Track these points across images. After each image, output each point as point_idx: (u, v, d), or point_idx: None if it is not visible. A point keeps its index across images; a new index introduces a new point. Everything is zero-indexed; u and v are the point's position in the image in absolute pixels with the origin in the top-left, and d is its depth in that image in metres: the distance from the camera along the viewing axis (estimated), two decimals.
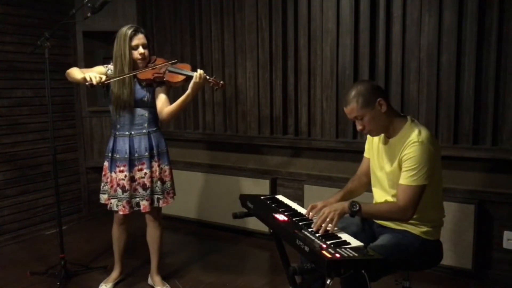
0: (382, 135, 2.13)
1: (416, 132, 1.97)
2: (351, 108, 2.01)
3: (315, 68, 3.43)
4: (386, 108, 2.01)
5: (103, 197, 2.86)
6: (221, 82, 2.76)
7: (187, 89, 2.67)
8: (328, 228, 1.89)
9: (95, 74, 2.58)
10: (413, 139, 1.95)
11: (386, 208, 1.98)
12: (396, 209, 1.94)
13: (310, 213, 2.10)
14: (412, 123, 2.04)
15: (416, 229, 2.04)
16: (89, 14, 2.89)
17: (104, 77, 2.60)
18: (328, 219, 1.89)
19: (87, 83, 2.56)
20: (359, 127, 2.05)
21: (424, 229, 2.04)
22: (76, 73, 2.70)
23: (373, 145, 2.22)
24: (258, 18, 3.61)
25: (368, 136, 2.26)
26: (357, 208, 1.91)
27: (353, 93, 2.01)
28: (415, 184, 1.92)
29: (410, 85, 3.07)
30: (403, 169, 1.96)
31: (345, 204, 1.93)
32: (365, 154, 2.31)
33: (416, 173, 1.92)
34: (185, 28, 4.03)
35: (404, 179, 1.95)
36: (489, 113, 2.86)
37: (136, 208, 2.79)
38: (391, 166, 2.06)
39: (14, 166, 3.89)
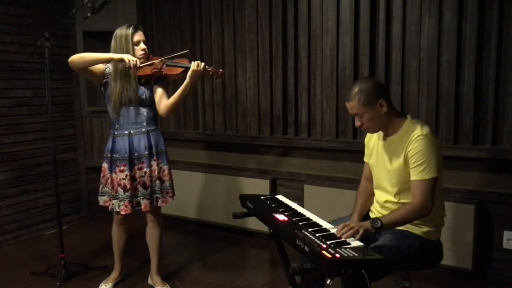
0: (381, 134, 2.14)
1: (419, 127, 1.99)
2: (352, 104, 2.02)
3: (315, 68, 3.43)
4: (387, 109, 2.02)
5: (102, 199, 2.85)
6: (220, 70, 2.77)
7: None
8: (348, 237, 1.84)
9: (132, 57, 2.62)
10: (417, 133, 1.97)
11: (404, 211, 1.96)
12: (415, 208, 1.94)
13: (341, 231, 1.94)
14: (413, 120, 2.06)
15: (417, 229, 2.04)
16: (89, 14, 2.89)
17: (138, 62, 2.64)
18: (353, 230, 1.85)
19: (126, 66, 2.59)
20: (357, 123, 2.07)
21: (426, 229, 2.04)
22: (96, 54, 2.66)
23: (371, 146, 2.22)
24: (258, 18, 3.61)
25: (366, 140, 2.27)
26: (379, 224, 1.88)
27: (356, 89, 2.01)
28: (427, 177, 1.93)
29: (410, 85, 3.07)
30: (411, 165, 1.97)
31: (367, 223, 1.90)
32: (365, 159, 2.31)
33: (426, 167, 1.93)
34: (185, 28, 4.03)
35: (415, 175, 1.95)
36: (489, 113, 2.86)
37: (137, 208, 2.79)
38: (392, 164, 2.06)
39: (14, 166, 3.89)
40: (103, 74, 2.76)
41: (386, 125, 2.07)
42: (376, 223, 1.89)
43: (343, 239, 1.81)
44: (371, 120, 2.02)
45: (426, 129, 1.99)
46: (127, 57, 2.60)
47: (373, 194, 2.28)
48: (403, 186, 2.04)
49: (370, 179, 2.28)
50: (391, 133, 2.08)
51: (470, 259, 2.92)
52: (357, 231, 1.85)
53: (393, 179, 2.08)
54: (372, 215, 2.22)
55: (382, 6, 3.10)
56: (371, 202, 2.28)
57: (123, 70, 2.68)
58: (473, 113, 2.89)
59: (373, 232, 1.90)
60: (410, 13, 3.02)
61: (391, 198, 2.10)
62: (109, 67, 2.76)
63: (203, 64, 2.66)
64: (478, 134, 2.92)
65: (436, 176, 1.94)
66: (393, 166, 2.06)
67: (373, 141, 2.21)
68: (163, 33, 4.17)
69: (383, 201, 2.14)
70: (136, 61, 2.62)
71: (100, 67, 2.74)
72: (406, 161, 2.00)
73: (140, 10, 4.26)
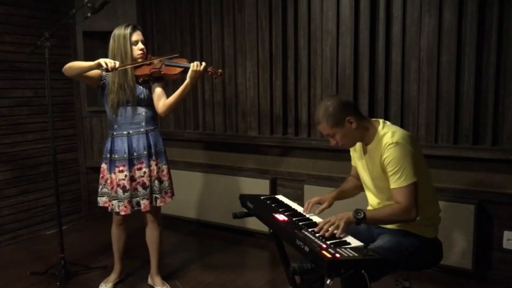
0: (361, 144, 2.15)
1: (389, 134, 2.00)
2: (322, 127, 2.05)
3: (315, 68, 3.43)
4: (356, 124, 2.02)
5: (102, 200, 2.84)
6: (220, 70, 2.76)
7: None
8: (334, 232, 1.88)
9: (110, 59, 2.59)
10: (387, 142, 1.97)
11: (389, 211, 1.97)
12: (400, 211, 1.94)
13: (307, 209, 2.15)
14: (384, 128, 2.05)
15: (414, 228, 2.04)
16: (89, 14, 2.89)
17: (118, 63, 2.61)
18: (334, 226, 1.88)
19: (101, 69, 2.57)
20: (332, 143, 2.08)
21: (423, 227, 2.04)
22: (80, 63, 2.72)
23: (355, 153, 2.25)
24: (258, 18, 3.61)
25: None
26: (362, 215, 1.90)
27: (321, 112, 2.03)
28: (405, 184, 1.93)
29: (410, 85, 3.07)
30: (388, 173, 1.98)
31: (350, 213, 1.92)
32: (352, 162, 2.33)
33: (402, 174, 1.93)
34: (185, 28, 4.03)
35: (393, 183, 1.96)
36: (489, 113, 2.86)
37: (136, 208, 2.79)
38: (374, 172, 2.09)
39: (14, 166, 3.89)
40: (100, 76, 2.76)
41: (361, 137, 2.08)
42: (359, 214, 1.90)
43: (343, 239, 1.81)
44: (344, 138, 2.04)
45: (396, 136, 1.97)
46: (103, 60, 2.57)
47: (359, 188, 2.32)
48: (389, 192, 2.04)
49: (357, 177, 2.31)
50: (369, 142, 2.09)
51: (470, 259, 2.91)
52: (338, 226, 1.87)
53: (377, 187, 2.11)
54: None
55: (382, 6, 3.10)
56: (355, 193, 2.35)
57: (121, 71, 2.68)
58: (473, 113, 2.89)
59: (354, 222, 1.91)
60: (410, 13, 3.02)
61: (381, 202, 2.12)
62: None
63: (203, 64, 2.66)
64: (478, 134, 2.92)
65: (414, 181, 1.94)
66: (375, 174, 2.08)
67: (356, 149, 2.23)
68: (163, 33, 4.17)
69: (376, 203, 2.15)
70: (114, 63, 2.58)
71: (97, 71, 2.74)
72: (383, 169, 2.01)
73: (140, 10, 4.26)
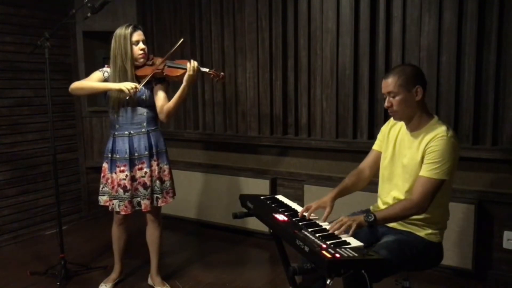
0: (404, 126, 2.11)
1: (444, 128, 1.98)
2: (390, 81, 2.00)
3: (315, 68, 3.43)
4: (421, 98, 2.00)
5: (102, 199, 2.85)
6: (222, 73, 2.77)
7: None
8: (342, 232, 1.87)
9: (129, 83, 2.61)
10: (441, 133, 1.95)
11: (400, 207, 1.96)
12: (411, 204, 1.93)
13: (305, 214, 2.08)
14: (439, 121, 2.04)
15: (420, 231, 2.03)
16: (89, 14, 2.89)
17: (139, 86, 2.64)
18: (346, 225, 1.87)
19: (127, 97, 2.63)
20: (386, 104, 2.04)
21: (429, 231, 2.03)
22: (93, 85, 2.72)
23: (389, 137, 2.18)
24: (258, 18, 3.61)
25: (385, 128, 2.24)
26: (372, 218, 1.89)
27: (398, 69, 2.03)
28: (435, 177, 1.92)
29: None
30: (426, 161, 1.96)
31: (361, 217, 1.91)
32: (375, 147, 2.28)
33: (439, 167, 1.92)
34: (185, 28, 4.03)
35: (426, 171, 1.94)
36: (489, 113, 2.86)
37: (137, 208, 2.79)
38: (409, 159, 2.04)
39: (14, 166, 3.89)
40: (102, 79, 2.77)
41: (412, 115, 2.04)
42: (370, 217, 1.89)
43: (343, 239, 1.81)
44: (402, 103, 2.00)
45: (451, 131, 1.97)
46: (124, 86, 2.59)
47: (363, 181, 2.26)
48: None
49: (370, 167, 2.26)
50: (415, 129, 2.06)
51: (470, 259, 2.91)
52: (350, 226, 1.86)
53: (406, 175, 2.06)
54: None
55: (382, 6, 3.10)
56: (358, 189, 2.26)
57: (121, 71, 2.68)
58: (473, 113, 2.89)
59: (366, 226, 1.90)
60: (410, 13, 3.02)
61: (400, 195, 2.08)
62: (106, 71, 2.77)
63: (196, 64, 2.66)
64: (478, 134, 2.92)
65: (444, 179, 1.93)
66: (410, 161, 2.04)
67: (393, 133, 2.17)
68: (163, 33, 4.17)
69: (392, 198, 2.11)
70: (135, 86, 2.61)
71: (99, 76, 2.76)
72: (423, 157, 1.98)
73: (140, 10, 4.26)
